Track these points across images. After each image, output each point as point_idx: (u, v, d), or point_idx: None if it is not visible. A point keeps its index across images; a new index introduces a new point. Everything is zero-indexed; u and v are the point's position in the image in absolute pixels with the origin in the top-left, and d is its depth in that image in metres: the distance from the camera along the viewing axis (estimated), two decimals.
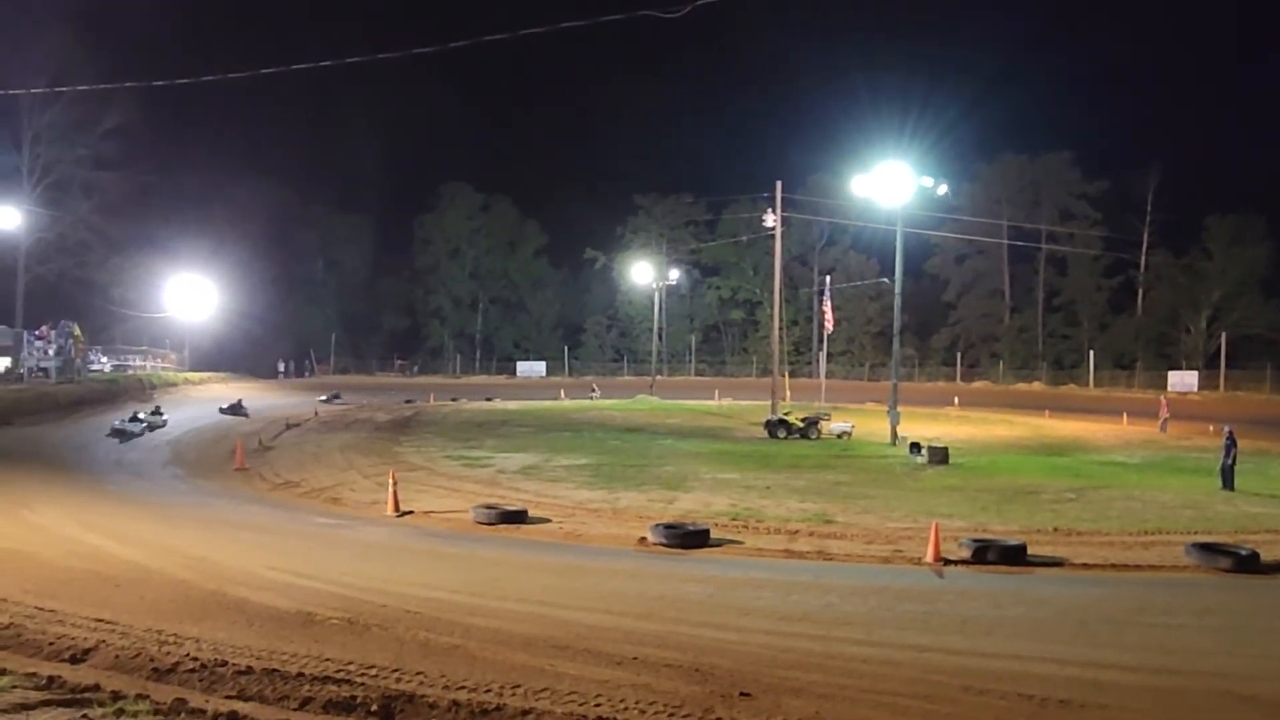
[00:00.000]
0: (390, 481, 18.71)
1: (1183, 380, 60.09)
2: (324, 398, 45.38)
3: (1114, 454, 29.54)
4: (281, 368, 65.18)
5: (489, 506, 17.40)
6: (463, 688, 7.73)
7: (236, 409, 37.56)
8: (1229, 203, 63.12)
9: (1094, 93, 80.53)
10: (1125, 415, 42.12)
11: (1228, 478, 21.67)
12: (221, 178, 61.59)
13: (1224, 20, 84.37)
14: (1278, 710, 7.90)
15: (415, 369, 74.99)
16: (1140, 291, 69.89)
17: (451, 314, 79.62)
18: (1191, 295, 65.45)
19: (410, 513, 18.04)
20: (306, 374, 67.86)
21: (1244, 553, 13.90)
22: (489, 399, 51.74)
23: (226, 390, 45.73)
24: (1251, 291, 63.42)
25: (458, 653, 8.85)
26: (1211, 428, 25.98)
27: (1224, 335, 61.30)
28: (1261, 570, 13.65)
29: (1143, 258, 68.89)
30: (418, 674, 8.05)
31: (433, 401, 48.37)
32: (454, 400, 50.23)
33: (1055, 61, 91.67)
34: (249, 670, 7.97)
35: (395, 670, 8.14)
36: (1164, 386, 57.79)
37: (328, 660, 8.39)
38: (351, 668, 8.18)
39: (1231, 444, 21.91)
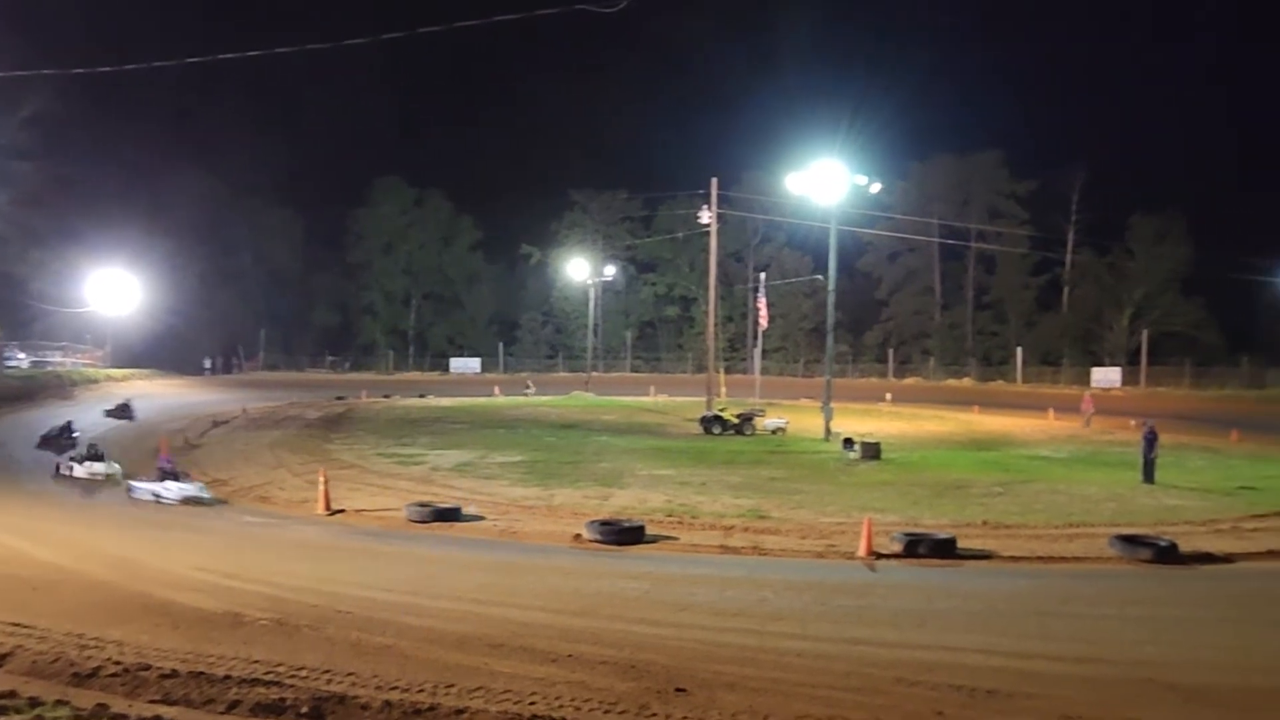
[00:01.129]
0: (321, 479, 18.42)
1: (1106, 376, 61.77)
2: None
3: (1040, 449, 30.17)
4: (207, 364, 63.77)
5: (422, 504, 17.21)
6: (395, 688, 7.63)
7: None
8: (1152, 203, 64.88)
9: (1023, 93, 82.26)
10: (1052, 411, 43.06)
11: (1149, 471, 22.26)
12: (147, 169, 60.00)
13: (1148, 23, 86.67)
14: (1197, 696, 8.11)
15: (347, 365, 73.94)
16: (1066, 289, 71.55)
17: (384, 310, 78.61)
18: (1115, 293, 67.22)
19: (342, 511, 17.77)
20: (234, 371, 66.49)
21: (1164, 544, 14.30)
22: (422, 396, 51.21)
23: (151, 387, 44.63)
24: (1172, 290, 65.31)
25: (391, 652, 8.72)
26: (1134, 422, 26.65)
27: (1145, 333, 63.05)
28: (1180, 561, 14.05)
29: (1068, 256, 70.48)
30: (349, 675, 7.92)
31: (365, 398, 47.77)
32: (387, 397, 49.63)
33: (986, 61, 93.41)
34: (174, 673, 7.77)
35: (326, 671, 7.99)
36: (1089, 382, 59.34)
37: (256, 662, 8.21)
38: (281, 669, 8.01)
39: (1152, 438, 22.51)
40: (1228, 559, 14.43)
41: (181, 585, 11.37)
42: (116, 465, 21.86)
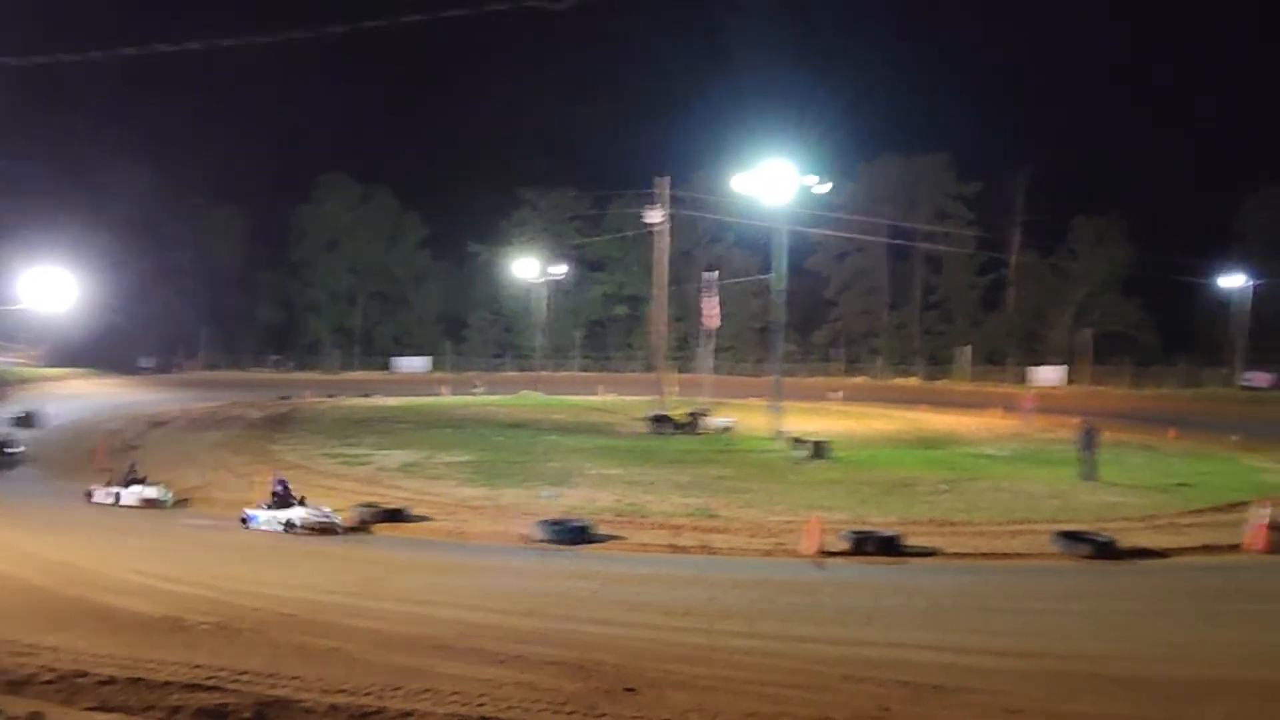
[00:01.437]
0: (264, 481, 18.13)
1: (1049, 375, 62.98)
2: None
3: (985, 447, 30.61)
4: (146, 363, 62.53)
5: (368, 505, 17.03)
6: (341, 691, 7.51)
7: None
8: (1094, 205, 66.14)
9: (969, 95, 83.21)
10: (997, 409, 43.71)
11: (1089, 469, 22.68)
12: (85, 164, 58.70)
13: (1090, 26, 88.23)
14: (1137, 688, 8.26)
15: (291, 365, 72.89)
16: (1010, 290, 72.72)
17: (329, 308, 77.64)
18: (1058, 293, 68.50)
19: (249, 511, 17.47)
20: (174, 370, 65.27)
21: (1103, 540, 14.60)
22: (368, 395, 50.65)
23: (87, 387, 43.69)
24: (1113, 290, 66.69)
25: (336, 655, 8.60)
26: (1075, 420, 27.15)
27: (1087, 332, 64.33)
28: (1119, 556, 14.35)
29: (1013, 257, 71.63)
30: (293, 678, 7.78)
31: (309, 398, 47.13)
32: (331, 396, 49.00)
33: (933, 63, 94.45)
34: (112, 680, 7.58)
35: (270, 675, 7.85)
36: (1033, 381, 60.42)
37: (198, 667, 8.04)
38: (223, 674, 7.85)
39: (1090, 437, 22.92)
40: (1164, 554, 14.77)
41: (120, 589, 11.13)
42: (169, 492, 19.39)
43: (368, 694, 7.45)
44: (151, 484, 19.35)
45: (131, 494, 18.98)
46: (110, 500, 18.80)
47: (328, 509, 16.58)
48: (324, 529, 15.94)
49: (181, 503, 19.29)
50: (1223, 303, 60.46)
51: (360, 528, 16.20)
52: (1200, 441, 32.49)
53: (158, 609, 10.16)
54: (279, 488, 16.87)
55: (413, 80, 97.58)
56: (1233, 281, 58.38)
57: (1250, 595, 12.68)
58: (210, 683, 7.58)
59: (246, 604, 10.45)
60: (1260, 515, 15.42)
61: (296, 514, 16.19)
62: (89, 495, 19.42)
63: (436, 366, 72.39)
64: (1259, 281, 57.93)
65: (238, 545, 14.94)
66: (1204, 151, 73.25)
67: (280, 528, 16.11)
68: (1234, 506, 18.69)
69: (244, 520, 16.60)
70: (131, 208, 59.94)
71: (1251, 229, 62.35)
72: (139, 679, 7.61)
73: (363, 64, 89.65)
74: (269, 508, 16.51)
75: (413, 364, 72.83)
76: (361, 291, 78.44)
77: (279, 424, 34.83)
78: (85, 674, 7.69)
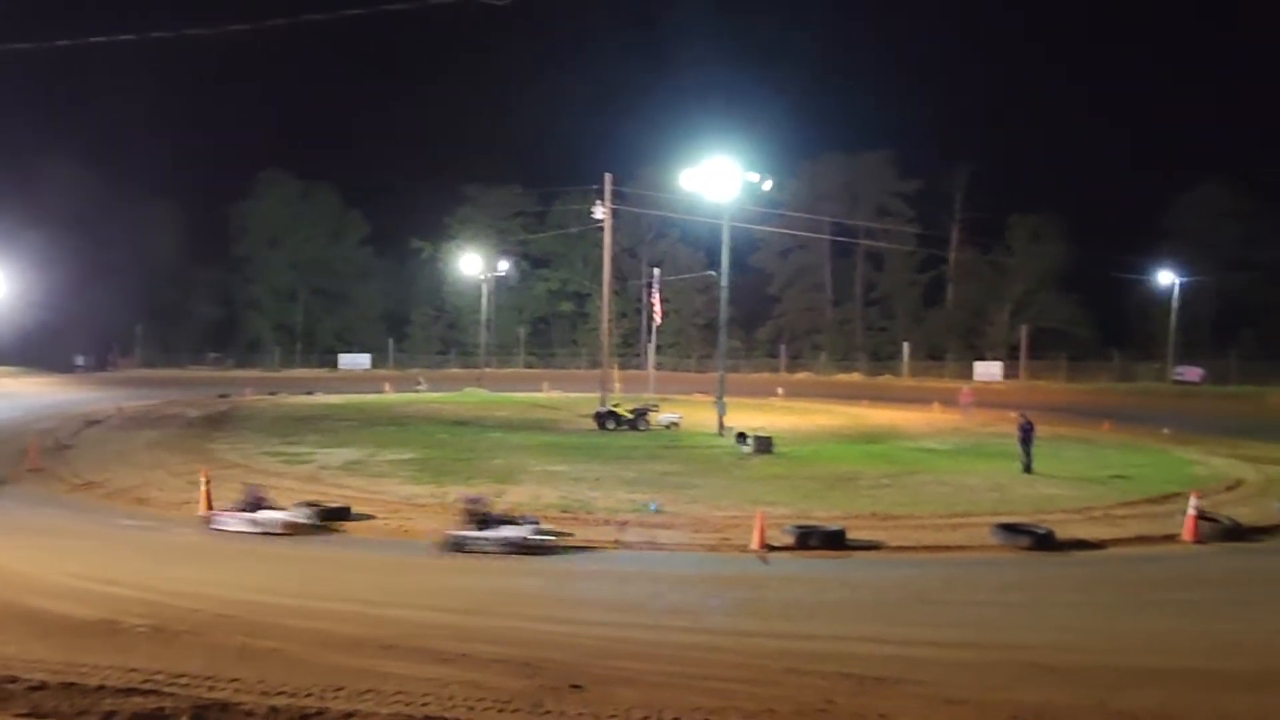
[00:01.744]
0: (203, 479, 17.79)
1: (988, 370, 64.09)
2: None
3: (926, 441, 31.04)
4: (80, 361, 61.10)
5: (310, 504, 16.76)
6: (281, 693, 7.38)
7: None
8: (1031, 203, 67.37)
9: (911, 94, 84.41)
10: (937, 404, 44.33)
11: (1027, 461, 23.10)
12: (17, 159, 57.20)
13: (1027, 25, 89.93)
14: (1074, 678, 8.42)
15: (230, 362, 71.68)
16: (950, 286, 73.80)
17: (270, 305, 76.51)
18: (996, 290, 69.69)
19: (219, 512, 17.17)
20: (109, 368, 63.85)
21: (1041, 531, 14.90)
22: (310, 393, 50.01)
23: (18, 386, 42.58)
24: (1049, 287, 67.98)
25: (276, 657, 8.46)
26: (1013, 415, 27.63)
27: (1024, 328, 65.51)
28: (1057, 547, 14.66)
29: (952, 254, 72.68)
30: (233, 681, 7.64)
31: (249, 396, 46.40)
32: (272, 394, 48.32)
33: (876, 61, 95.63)
34: (43, 685, 7.38)
35: (208, 678, 7.69)
36: (972, 376, 61.42)
37: (133, 671, 7.85)
38: (160, 677, 7.67)
39: (1027, 431, 23.34)
40: (1100, 545, 15.11)
41: (53, 593, 10.84)
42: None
43: (309, 695, 7.34)
44: (299, 505, 16.66)
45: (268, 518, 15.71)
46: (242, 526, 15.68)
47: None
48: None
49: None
50: (1155, 299, 61.96)
51: (303, 527, 15.73)
52: (1134, 434, 33.32)
53: (92, 612, 9.91)
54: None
55: (355, 76, 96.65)
56: (1164, 278, 59.80)
57: (1182, 584, 13.01)
58: (146, 686, 7.41)
59: (185, 605, 10.24)
60: (1191, 506, 15.90)
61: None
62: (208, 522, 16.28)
63: (379, 364, 71.73)
64: (1189, 278, 59.43)
65: (176, 546, 14.64)
66: (1138, 150, 75.16)
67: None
68: (1166, 498, 19.20)
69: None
70: (66, 203, 58.53)
71: (1182, 227, 63.91)
72: (71, 684, 7.42)
73: (304, 59, 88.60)
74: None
75: (355, 361, 72.08)
76: (303, 288, 77.43)
77: (218, 422, 34.23)
78: (15, 679, 7.47)
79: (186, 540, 15.08)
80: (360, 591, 11.43)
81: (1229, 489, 21.32)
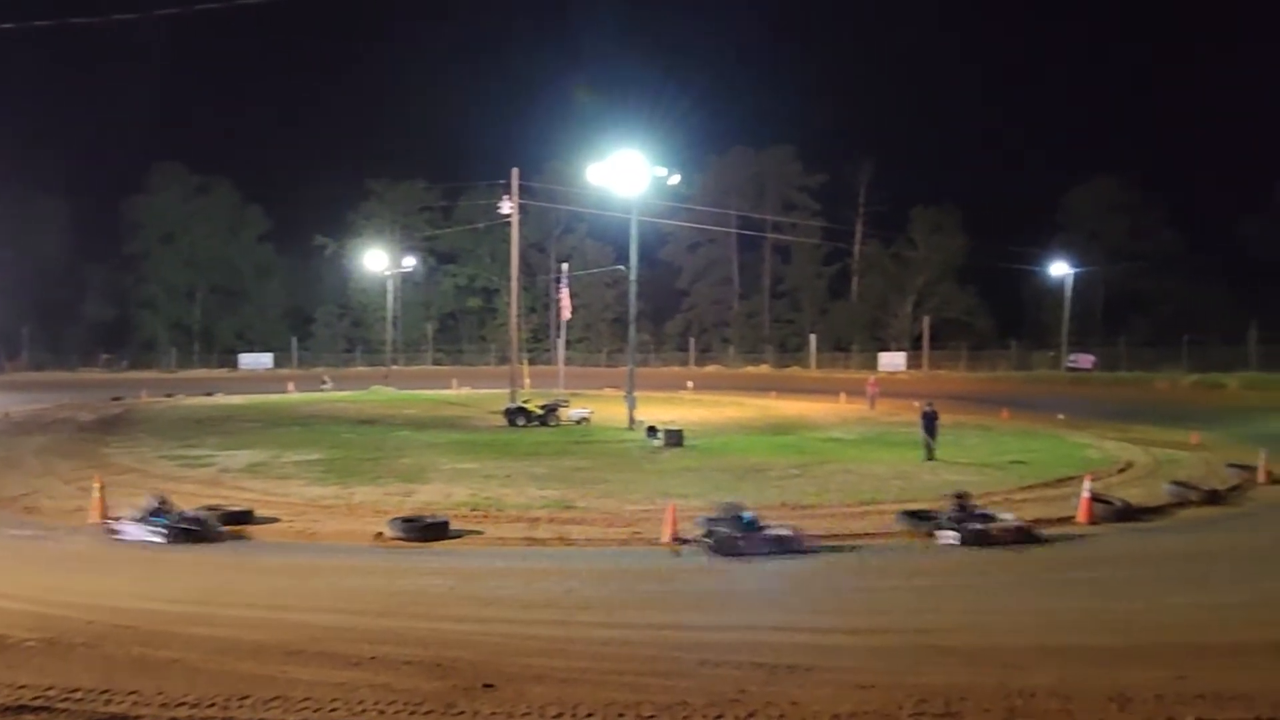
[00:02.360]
0: (96, 486, 17.16)
1: (892, 361, 65.59)
2: None
3: (833, 431, 31.56)
4: None
5: (211, 508, 16.27)
6: (183, 704, 7.16)
7: None
8: (931, 196, 69.06)
9: (814, 88, 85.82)
10: (843, 394, 45.11)
11: (930, 449, 23.66)
12: None
13: (928, 18, 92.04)
14: (973, 658, 8.65)
15: (125, 364, 69.30)
16: (855, 278, 75.20)
17: (166, 304, 74.23)
18: (899, 282, 71.31)
19: (119, 519, 16.59)
20: None
21: (943, 517, 15.23)
22: (210, 394, 48.72)
23: None
24: (949, 279, 69.84)
25: (177, 667, 8.19)
26: (917, 404, 28.27)
27: (926, 319, 67.11)
28: None
29: (856, 247, 74.11)
30: (131, 694, 7.37)
31: (145, 398, 44.96)
32: (170, 396, 46.94)
33: (780, 56, 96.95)
34: None
35: (105, 691, 7.41)
36: (877, 367, 62.75)
37: (23, 687, 7.51)
38: (52, 693, 7.36)
39: (931, 418, 23.90)
40: None
41: None
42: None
43: (212, 705, 7.13)
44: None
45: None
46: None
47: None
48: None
49: None
50: (1049, 289, 64.07)
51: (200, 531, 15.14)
52: (1030, 421, 34.47)
53: None
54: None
55: (254, 66, 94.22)
56: (1058, 269, 61.92)
57: (1078, 565, 13.46)
58: (37, 703, 7.11)
59: (78, 617, 9.85)
60: (1085, 489, 16.50)
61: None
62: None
63: (282, 363, 70.24)
64: (1081, 269, 61.56)
65: (68, 556, 14.08)
66: (1033, 144, 77.58)
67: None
68: (1062, 481, 19.89)
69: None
70: None
71: (1074, 219, 66.19)
72: None
73: (199, 48, 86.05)
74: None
75: (257, 361, 70.48)
76: (200, 286, 75.34)
77: (112, 426, 33.08)
78: None
79: (79, 549, 14.52)
80: (265, 596, 11.16)
81: (1120, 471, 22.17)
